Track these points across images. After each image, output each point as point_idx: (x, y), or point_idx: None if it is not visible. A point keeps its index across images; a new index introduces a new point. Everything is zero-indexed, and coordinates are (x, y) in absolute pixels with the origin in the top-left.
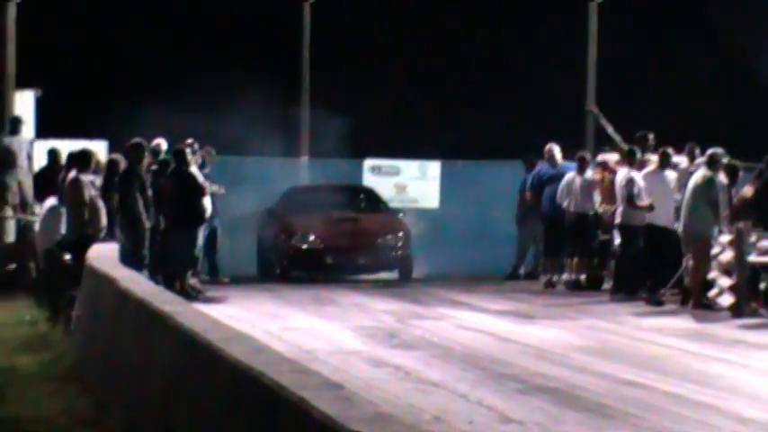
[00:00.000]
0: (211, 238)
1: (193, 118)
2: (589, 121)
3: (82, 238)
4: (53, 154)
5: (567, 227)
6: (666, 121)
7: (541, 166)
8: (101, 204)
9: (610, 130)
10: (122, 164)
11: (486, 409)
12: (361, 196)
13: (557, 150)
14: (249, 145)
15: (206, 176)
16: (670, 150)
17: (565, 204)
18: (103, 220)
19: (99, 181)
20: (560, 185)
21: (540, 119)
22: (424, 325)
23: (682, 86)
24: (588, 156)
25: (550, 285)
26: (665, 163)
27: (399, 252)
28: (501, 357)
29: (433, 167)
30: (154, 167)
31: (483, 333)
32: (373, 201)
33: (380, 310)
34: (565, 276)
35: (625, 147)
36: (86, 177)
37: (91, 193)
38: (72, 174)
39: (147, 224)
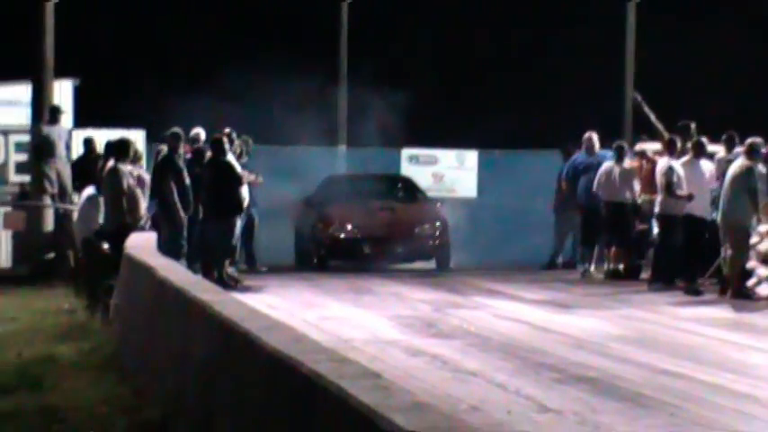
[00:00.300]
0: (249, 228)
1: (232, 107)
2: (631, 109)
3: (120, 227)
4: (89, 143)
5: (604, 216)
6: (707, 110)
7: (577, 155)
8: (139, 194)
9: (653, 118)
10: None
11: (523, 398)
12: (399, 185)
13: (596, 139)
14: (287, 134)
15: (244, 166)
16: (704, 140)
17: (601, 194)
18: (142, 210)
19: (137, 170)
20: (597, 174)
21: (578, 108)
22: (462, 314)
23: (723, 74)
24: (626, 145)
25: (587, 275)
26: (699, 152)
27: (437, 241)
28: (539, 347)
29: (471, 157)
30: (188, 156)
31: (520, 322)
32: (411, 190)
33: (418, 299)
34: (602, 266)
35: (667, 135)
36: (125, 167)
37: (129, 182)
38: (110, 163)
39: (182, 214)
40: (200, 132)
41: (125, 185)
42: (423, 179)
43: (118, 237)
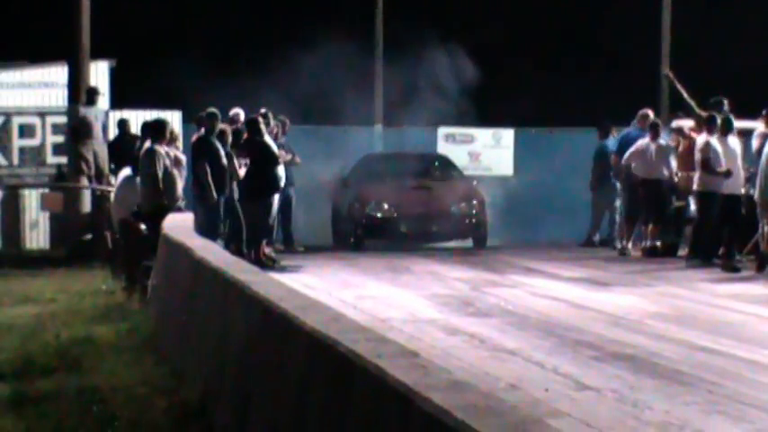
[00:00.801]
0: (286, 208)
1: (269, 87)
2: (664, 85)
3: (157, 208)
4: (123, 124)
5: (641, 194)
6: (742, 87)
7: (630, 130)
8: (176, 174)
9: (685, 95)
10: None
11: (561, 376)
12: (436, 164)
13: (652, 115)
14: (325, 114)
15: (280, 146)
16: (731, 116)
17: (638, 171)
18: (179, 191)
19: (173, 151)
20: (630, 150)
21: (613, 86)
22: (499, 293)
23: (757, 51)
24: (660, 122)
25: (625, 252)
26: (726, 129)
27: (474, 220)
28: (576, 325)
29: (507, 135)
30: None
31: (558, 300)
32: (447, 169)
33: (455, 278)
34: (640, 243)
35: (701, 113)
36: (161, 148)
37: (166, 162)
38: (147, 144)
39: (215, 195)
40: (239, 113)
41: (161, 166)
42: (459, 158)
43: (155, 218)
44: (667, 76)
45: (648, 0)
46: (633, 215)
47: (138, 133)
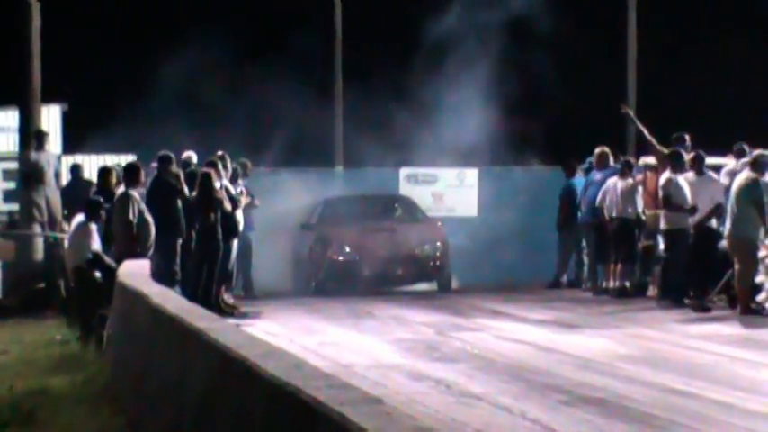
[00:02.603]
0: (245, 252)
1: (225, 130)
2: (627, 123)
3: (130, 255)
4: (76, 169)
5: (609, 233)
6: (711, 122)
7: (594, 173)
8: (149, 220)
9: (645, 132)
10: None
11: (530, 422)
12: (398, 206)
13: (608, 153)
14: (284, 156)
15: (239, 191)
16: (702, 153)
17: (606, 210)
18: (152, 237)
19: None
20: (601, 190)
21: (580, 123)
22: (465, 337)
23: (728, 83)
24: (632, 160)
25: (597, 291)
26: (698, 167)
27: (438, 262)
28: (544, 368)
29: (471, 174)
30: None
31: (525, 344)
32: (410, 210)
33: (419, 322)
34: (609, 283)
35: (663, 149)
36: (135, 192)
37: (141, 207)
38: (121, 189)
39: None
40: (191, 155)
41: (136, 212)
42: (422, 199)
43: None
44: (626, 113)
45: (613, 35)
46: (598, 255)
47: (93, 179)
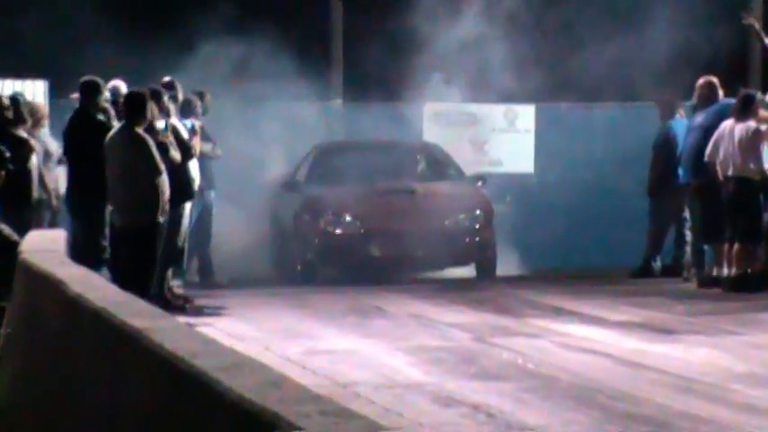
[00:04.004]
0: (204, 222)
1: (173, 50)
2: (751, 39)
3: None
4: None
5: (723, 199)
6: None
7: (699, 114)
8: (45, 173)
9: None
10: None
11: None
12: (420, 157)
13: (716, 85)
14: (259, 85)
15: (193, 131)
16: None
17: (718, 166)
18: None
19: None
20: (712, 138)
21: (680, 43)
22: (515, 345)
23: None
24: (757, 94)
25: (705, 282)
26: None
27: (477, 238)
28: (627, 391)
29: (525, 114)
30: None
31: (600, 355)
32: (439, 163)
33: (449, 323)
34: (722, 270)
35: None
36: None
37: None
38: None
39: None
40: (119, 85)
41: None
42: (456, 148)
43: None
44: (750, 24)
45: None
46: (706, 231)
47: None
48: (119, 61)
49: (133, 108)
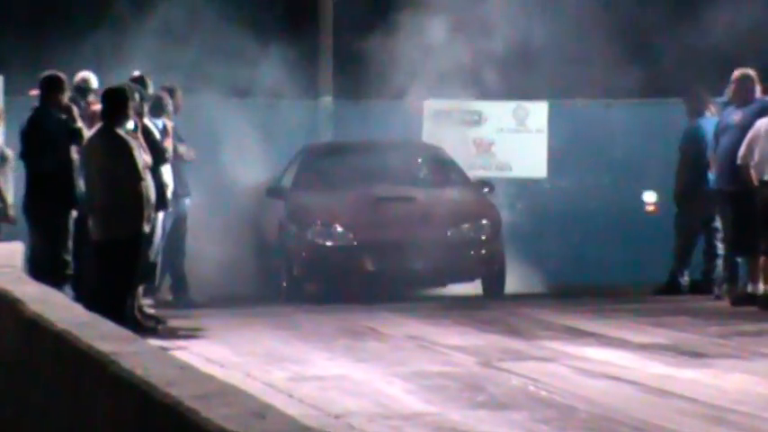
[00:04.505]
0: (177, 233)
1: (145, 41)
2: None
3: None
4: None
5: (759, 206)
6: None
7: (732, 110)
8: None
9: None
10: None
11: None
12: (422, 160)
13: (754, 79)
14: (239, 81)
15: (164, 131)
16: None
17: (753, 170)
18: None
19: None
20: (746, 138)
21: (709, 31)
22: (526, 370)
23: None
24: None
25: (739, 299)
26: None
27: (484, 251)
28: (652, 421)
29: (537, 112)
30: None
31: (622, 382)
32: (442, 168)
33: (453, 346)
34: (757, 286)
35: None
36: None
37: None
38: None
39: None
40: (88, 78)
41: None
42: (459, 150)
43: None
44: None
45: None
46: (738, 243)
47: None
48: (80, 53)
49: (113, 106)
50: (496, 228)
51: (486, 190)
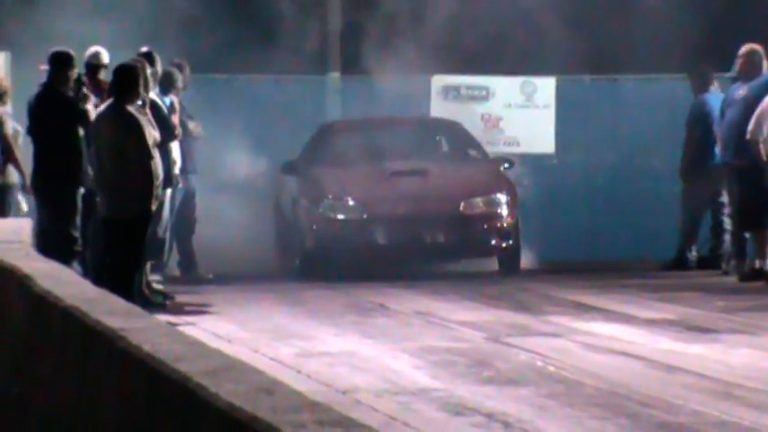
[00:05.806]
0: (185, 210)
1: (148, 18)
2: None
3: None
4: None
5: (765, 181)
6: None
7: (739, 86)
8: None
9: None
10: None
11: None
12: (435, 135)
13: (762, 54)
14: (247, 58)
15: (172, 108)
16: None
17: (762, 145)
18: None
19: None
20: (755, 114)
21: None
22: (534, 345)
23: None
24: None
25: (747, 274)
26: None
27: (500, 225)
28: (659, 396)
29: (545, 88)
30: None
31: (630, 357)
32: (456, 142)
33: (461, 321)
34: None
35: None
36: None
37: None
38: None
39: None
40: (100, 52)
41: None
42: (466, 125)
43: None
44: None
45: None
46: (748, 217)
47: None
48: (87, 29)
49: (123, 83)
50: (512, 203)
51: (506, 165)
